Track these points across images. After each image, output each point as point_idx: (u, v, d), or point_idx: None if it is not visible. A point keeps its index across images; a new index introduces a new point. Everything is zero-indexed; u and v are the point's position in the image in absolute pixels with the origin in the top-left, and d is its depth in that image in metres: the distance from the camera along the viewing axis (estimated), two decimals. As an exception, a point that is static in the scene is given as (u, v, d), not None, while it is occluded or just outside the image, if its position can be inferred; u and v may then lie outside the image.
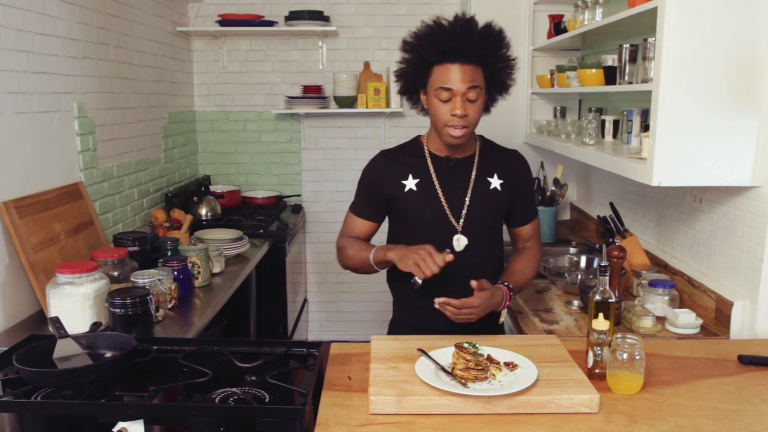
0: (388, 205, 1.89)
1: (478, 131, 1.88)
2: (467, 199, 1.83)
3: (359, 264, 1.86)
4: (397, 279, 1.94)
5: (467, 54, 1.70)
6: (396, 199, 1.86)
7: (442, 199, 1.82)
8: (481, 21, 1.77)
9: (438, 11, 3.82)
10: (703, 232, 2.14)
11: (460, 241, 1.82)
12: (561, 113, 3.40)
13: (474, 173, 1.85)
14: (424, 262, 1.62)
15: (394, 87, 2.83)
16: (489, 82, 1.78)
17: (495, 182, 1.85)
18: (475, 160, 1.87)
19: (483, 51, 1.72)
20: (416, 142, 1.92)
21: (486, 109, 1.85)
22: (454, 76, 1.70)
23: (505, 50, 1.78)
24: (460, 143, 1.79)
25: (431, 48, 1.72)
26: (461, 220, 1.82)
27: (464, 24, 1.73)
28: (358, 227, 1.93)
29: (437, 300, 1.65)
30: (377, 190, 1.87)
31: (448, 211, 1.82)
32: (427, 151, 1.88)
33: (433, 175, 1.84)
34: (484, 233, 1.85)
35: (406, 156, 1.89)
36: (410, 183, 1.84)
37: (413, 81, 1.81)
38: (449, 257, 1.64)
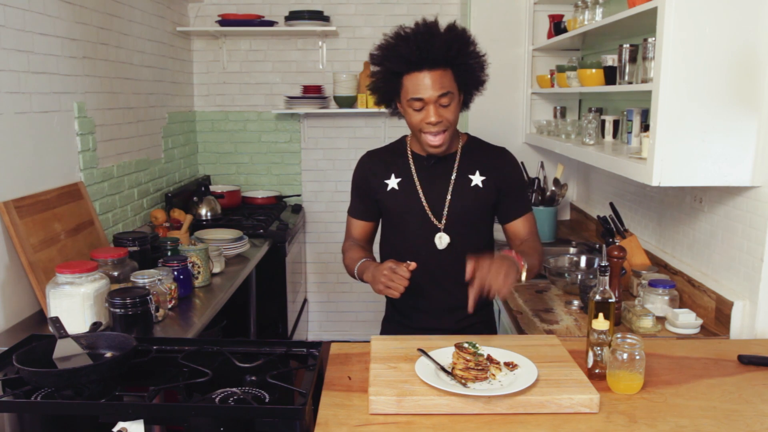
0: (377, 204, 1.90)
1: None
2: (448, 197, 1.83)
3: (350, 273, 1.88)
4: None
5: (432, 60, 1.67)
6: (380, 199, 1.87)
7: (422, 198, 1.83)
8: (445, 23, 1.74)
9: (438, 11, 3.82)
10: (703, 232, 2.14)
11: (442, 239, 1.83)
12: (561, 113, 3.39)
13: (455, 171, 1.85)
14: (392, 282, 1.62)
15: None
16: (461, 82, 1.75)
17: (476, 179, 1.85)
18: (456, 158, 1.86)
19: (448, 54, 1.68)
20: (401, 142, 1.93)
21: (465, 105, 1.84)
22: (423, 84, 1.67)
23: (473, 48, 1.75)
24: (440, 151, 1.78)
25: (396, 59, 1.70)
26: (443, 219, 1.83)
27: (425, 31, 1.69)
28: (357, 229, 1.95)
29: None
30: (366, 189, 1.89)
31: (428, 210, 1.83)
32: (409, 151, 1.88)
33: (414, 174, 1.85)
34: (467, 230, 1.85)
35: (390, 156, 1.89)
36: (392, 182, 1.85)
37: (387, 92, 1.79)
38: (412, 265, 1.64)
